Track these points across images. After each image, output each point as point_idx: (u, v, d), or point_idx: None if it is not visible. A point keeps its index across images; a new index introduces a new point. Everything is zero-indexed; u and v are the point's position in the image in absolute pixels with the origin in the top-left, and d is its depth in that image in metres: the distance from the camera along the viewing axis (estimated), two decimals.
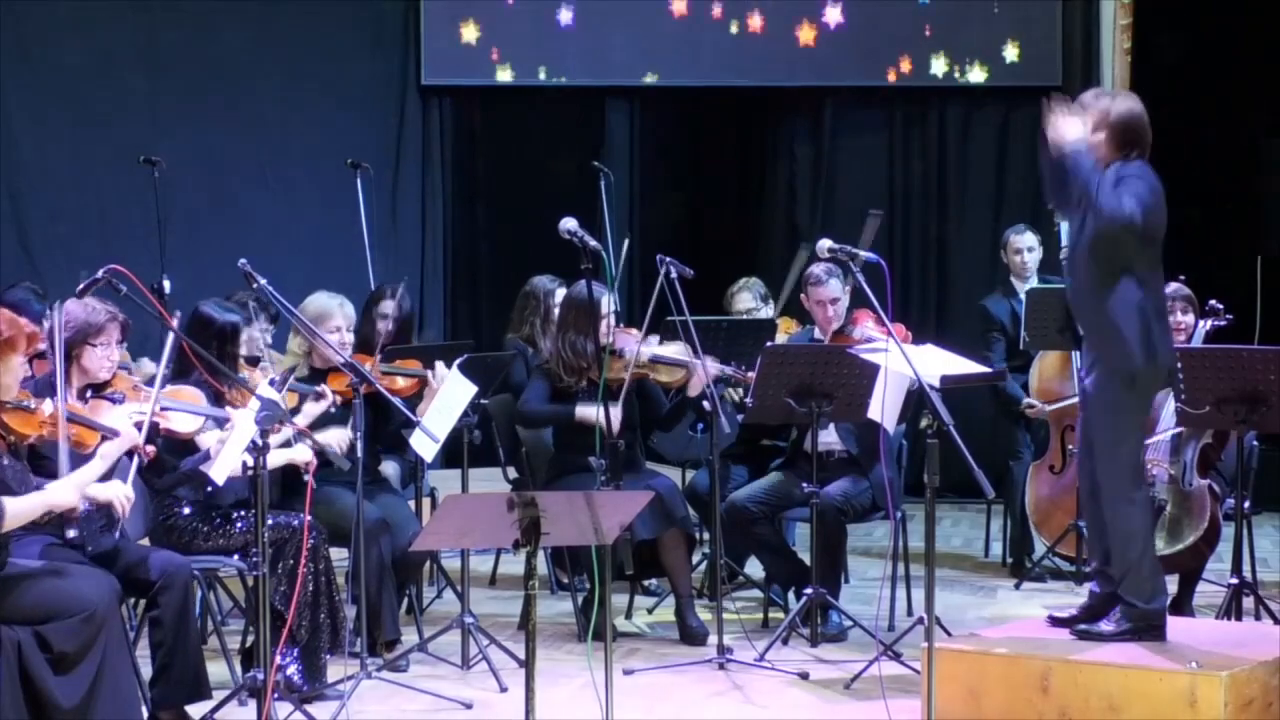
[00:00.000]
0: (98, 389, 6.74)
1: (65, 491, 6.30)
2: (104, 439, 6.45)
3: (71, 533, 6.50)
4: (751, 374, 8.39)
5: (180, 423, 6.90)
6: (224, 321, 7.57)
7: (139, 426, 6.57)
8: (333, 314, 8.24)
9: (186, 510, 7.48)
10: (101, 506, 6.58)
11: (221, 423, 7.01)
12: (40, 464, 6.45)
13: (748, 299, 10.14)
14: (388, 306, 9.51)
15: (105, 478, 6.57)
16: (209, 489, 7.19)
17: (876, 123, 13.45)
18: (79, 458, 6.44)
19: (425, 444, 7.76)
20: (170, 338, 6.89)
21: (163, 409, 6.79)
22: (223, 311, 7.63)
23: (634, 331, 8.85)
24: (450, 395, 7.85)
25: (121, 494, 6.54)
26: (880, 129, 13.45)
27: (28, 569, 6.33)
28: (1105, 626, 7.06)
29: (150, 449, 6.59)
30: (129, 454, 6.61)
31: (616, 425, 8.22)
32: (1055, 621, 7.24)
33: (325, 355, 8.10)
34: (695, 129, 14.14)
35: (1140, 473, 7.10)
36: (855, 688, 7.62)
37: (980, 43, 12.95)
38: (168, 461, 7.04)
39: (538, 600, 5.79)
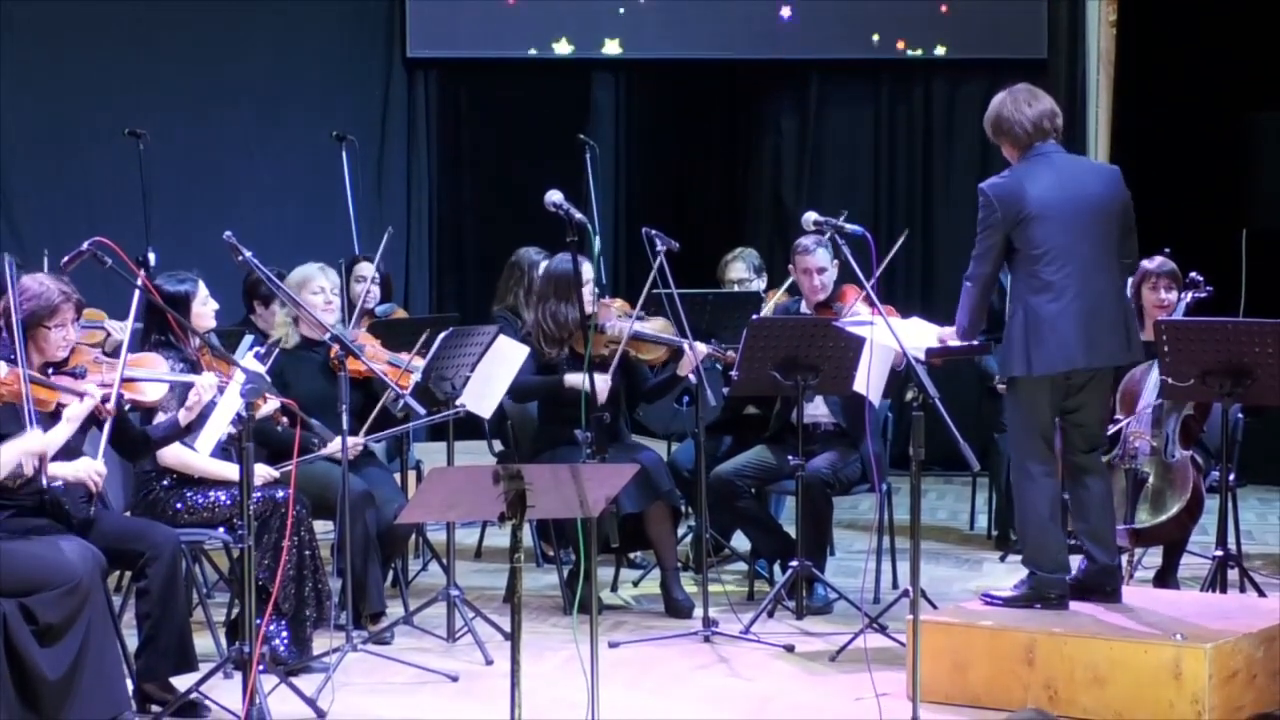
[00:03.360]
0: (57, 366, 6.72)
1: (36, 439, 6.32)
2: (62, 402, 6.48)
3: (56, 483, 6.55)
4: (733, 353, 8.39)
5: (146, 391, 6.89)
6: (174, 292, 7.56)
7: (106, 400, 6.58)
8: (312, 276, 8.24)
9: (166, 483, 7.49)
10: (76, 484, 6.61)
11: (186, 389, 7.01)
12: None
13: (740, 269, 10.11)
14: (365, 269, 9.56)
15: (73, 454, 6.60)
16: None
17: (862, 96, 13.45)
18: (42, 421, 6.47)
19: (484, 405, 8.20)
20: (133, 306, 6.87)
21: (128, 380, 6.76)
22: (175, 283, 7.63)
23: (616, 303, 8.85)
24: (499, 360, 8.03)
25: (92, 469, 6.56)
26: (866, 102, 13.44)
27: (10, 541, 6.33)
28: (1010, 591, 7.27)
29: (110, 407, 6.59)
30: (98, 424, 6.63)
31: (606, 392, 8.25)
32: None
33: (311, 325, 8.10)
34: (681, 102, 14.11)
35: (1038, 448, 7.16)
36: (841, 660, 7.62)
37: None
38: (134, 429, 7.03)
39: (523, 573, 5.78)
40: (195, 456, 7.34)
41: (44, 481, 6.43)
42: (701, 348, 8.34)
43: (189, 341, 7.45)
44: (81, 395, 6.54)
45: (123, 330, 7.72)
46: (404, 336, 8.65)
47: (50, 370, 6.68)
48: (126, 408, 6.83)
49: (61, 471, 6.52)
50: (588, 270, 8.36)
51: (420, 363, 8.06)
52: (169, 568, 6.76)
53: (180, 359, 7.37)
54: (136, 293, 6.90)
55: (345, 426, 7.54)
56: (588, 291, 8.33)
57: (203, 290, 7.72)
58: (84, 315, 6.98)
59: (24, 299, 6.61)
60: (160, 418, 7.16)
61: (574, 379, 8.32)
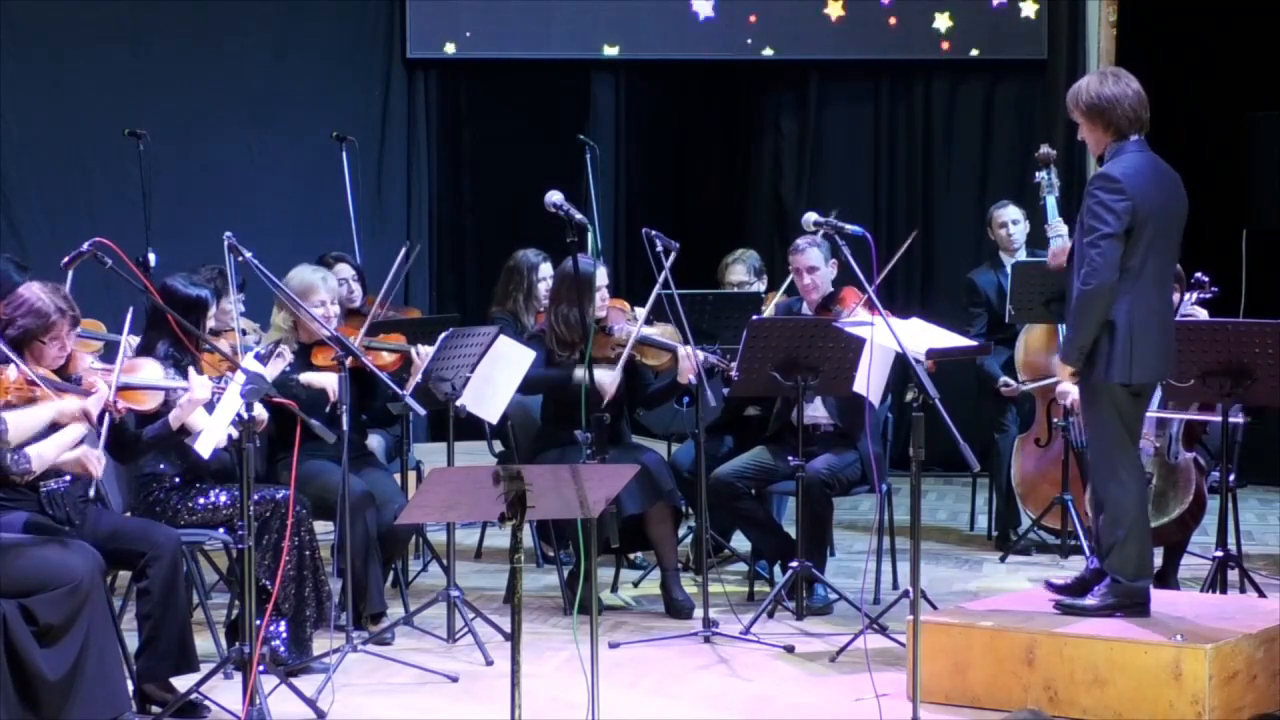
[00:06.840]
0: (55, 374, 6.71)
1: (71, 400, 6.33)
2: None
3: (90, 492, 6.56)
4: (734, 365, 8.39)
5: (146, 399, 6.88)
6: (191, 295, 7.45)
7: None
8: (316, 288, 8.21)
9: (166, 484, 7.48)
10: (77, 476, 6.60)
11: (180, 394, 6.99)
12: None
13: (741, 271, 10.10)
14: (345, 270, 9.55)
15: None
16: (192, 459, 7.19)
17: (862, 96, 13.44)
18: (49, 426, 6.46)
19: (489, 408, 8.18)
20: (131, 310, 6.86)
21: (125, 387, 6.73)
22: (191, 286, 7.53)
23: (623, 305, 8.85)
24: (503, 363, 8.04)
25: (92, 455, 6.54)
26: (866, 102, 13.43)
27: (11, 541, 6.33)
28: (1089, 600, 7.09)
29: (122, 406, 6.58)
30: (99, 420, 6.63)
31: (614, 385, 8.26)
32: (1054, 588, 7.28)
33: (310, 329, 8.09)
34: (681, 102, 14.11)
35: (1128, 451, 7.08)
36: (841, 661, 7.63)
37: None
38: (129, 432, 7.02)
39: (523, 574, 5.79)
40: None
41: (100, 429, 6.44)
42: (700, 355, 8.31)
43: (193, 346, 7.39)
44: (87, 395, 6.53)
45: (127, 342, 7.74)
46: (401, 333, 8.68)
47: None
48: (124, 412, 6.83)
49: (61, 458, 6.51)
50: (602, 275, 8.36)
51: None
52: (170, 568, 6.75)
53: (175, 364, 7.32)
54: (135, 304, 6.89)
55: (345, 426, 7.54)
56: (599, 296, 8.34)
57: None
58: (83, 325, 6.97)
59: (21, 313, 6.58)
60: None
61: (584, 373, 8.31)
